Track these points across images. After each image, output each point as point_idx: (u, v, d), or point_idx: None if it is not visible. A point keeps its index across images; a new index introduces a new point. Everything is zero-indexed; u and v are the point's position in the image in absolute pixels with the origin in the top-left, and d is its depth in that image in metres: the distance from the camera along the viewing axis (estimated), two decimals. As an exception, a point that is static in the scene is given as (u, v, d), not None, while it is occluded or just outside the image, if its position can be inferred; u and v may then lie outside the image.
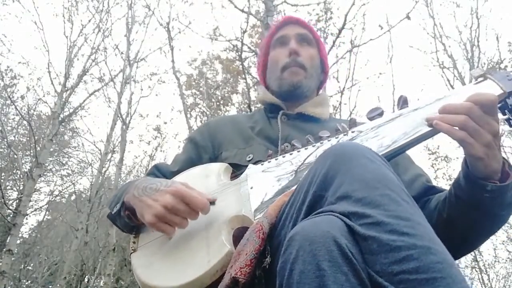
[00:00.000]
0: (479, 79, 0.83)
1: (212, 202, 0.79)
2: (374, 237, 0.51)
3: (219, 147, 1.09)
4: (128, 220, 0.89)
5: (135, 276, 0.83)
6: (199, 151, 1.10)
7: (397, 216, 0.53)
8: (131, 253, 0.88)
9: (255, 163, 0.93)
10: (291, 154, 0.88)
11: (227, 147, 1.07)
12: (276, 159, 0.89)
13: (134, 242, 0.89)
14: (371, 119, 0.87)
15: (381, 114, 0.86)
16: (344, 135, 0.86)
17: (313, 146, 0.87)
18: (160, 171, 1.09)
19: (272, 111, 1.15)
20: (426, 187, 0.97)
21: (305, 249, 0.51)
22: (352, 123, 0.88)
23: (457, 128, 0.72)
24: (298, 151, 0.87)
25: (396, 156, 0.80)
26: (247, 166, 0.92)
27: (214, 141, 1.11)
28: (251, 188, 0.84)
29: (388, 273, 0.49)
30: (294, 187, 0.72)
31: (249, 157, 0.99)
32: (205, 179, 0.94)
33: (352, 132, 0.86)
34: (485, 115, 0.71)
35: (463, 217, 0.80)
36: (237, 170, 0.96)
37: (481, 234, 0.85)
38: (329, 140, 0.87)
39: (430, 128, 0.77)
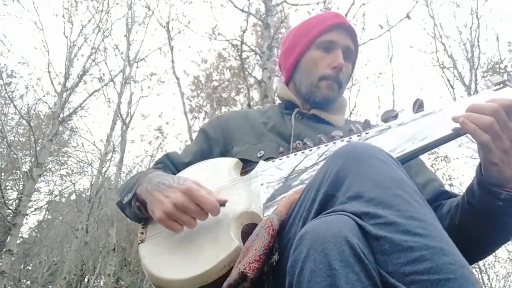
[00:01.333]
0: (498, 86, 0.82)
1: (223, 204, 0.79)
2: (386, 237, 0.51)
3: (231, 141, 1.08)
4: (138, 212, 0.89)
5: (142, 266, 0.84)
6: (211, 143, 1.09)
7: (410, 217, 0.52)
8: (139, 243, 0.88)
9: (266, 159, 0.93)
10: (302, 152, 0.87)
11: (239, 142, 1.06)
12: (287, 157, 0.89)
13: (142, 233, 0.90)
14: (385, 121, 0.86)
15: (395, 116, 0.85)
16: (358, 135, 0.85)
17: (325, 145, 0.86)
18: (171, 161, 1.08)
19: (288, 108, 1.14)
20: (439, 191, 0.96)
21: (316, 248, 0.51)
22: (366, 125, 0.88)
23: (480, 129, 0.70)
24: (310, 150, 0.87)
25: (409, 160, 0.79)
26: (257, 162, 0.92)
27: (226, 135, 1.10)
28: (262, 184, 0.84)
29: (400, 273, 0.49)
30: (305, 185, 0.72)
31: (260, 153, 0.99)
32: (215, 173, 0.94)
33: (366, 133, 0.85)
34: (508, 120, 0.70)
35: (475, 224, 0.79)
36: (247, 166, 0.96)
37: (493, 243, 0.84)
38: (342, 141, 0.86)
39: (448, 133, 0.75)
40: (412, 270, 0.48)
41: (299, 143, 0.92)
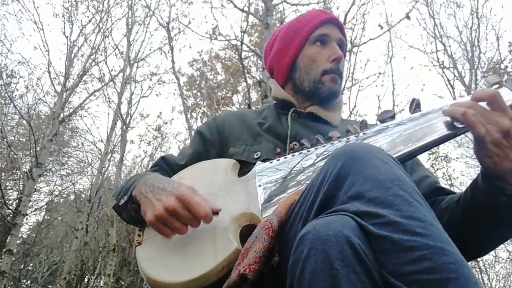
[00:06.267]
0: (495, 87, 0.82)
1: (216, 213, 0.77)
2: (386, 237, 0.51)
3: (227, 142, 1.07)
4: (134, 214, 0.89)
5: (140, 269, 0.83)
6: (207, 145, 1.09)
7: (410, 217, 0.52)
8: (136, 246, 0.87)
9: (263, 160, 0.93)
10: (300, 153, 0.87)
11: (235, 143, 1.05)
12: (285, 158, 0.88)
13: (139, 235, 0.89)
14: (382, 121, 0.86)
15: (393, 116, 0.85)
16: (355, 136, 0.85)
17: (323, 146, 0.86)
18: (167, 163, 1.08)
19: (283, 107, 1.13)
20: (434, 188, 0.96)
21: (317, 248, 0.51)
22: (364, 125, 0.88)
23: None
24: (308, 150, 0.86)
25: (407, 160, 0.79)
26: (254, 163, 0.92)
27: (222, 136, 1.09)
28: (259, 186, 0.84)
29: (400, 273, 0.49)
30: (304, 186, 0.72)
31: (257, 154, 0.98)
32: (212, 174, 0.93)
33: (364, 133, 0.85)
34: (490, 111, 0.70)
35: (477, 220, 0.78)
36: (244, 167, 0.95)
37: (493, 240, 0.83)
38: (339, 141, 0.85)
39: (446, 133, 0.76)
40: (413, 270, 0.48)
41: (295, 144, 0.91)
